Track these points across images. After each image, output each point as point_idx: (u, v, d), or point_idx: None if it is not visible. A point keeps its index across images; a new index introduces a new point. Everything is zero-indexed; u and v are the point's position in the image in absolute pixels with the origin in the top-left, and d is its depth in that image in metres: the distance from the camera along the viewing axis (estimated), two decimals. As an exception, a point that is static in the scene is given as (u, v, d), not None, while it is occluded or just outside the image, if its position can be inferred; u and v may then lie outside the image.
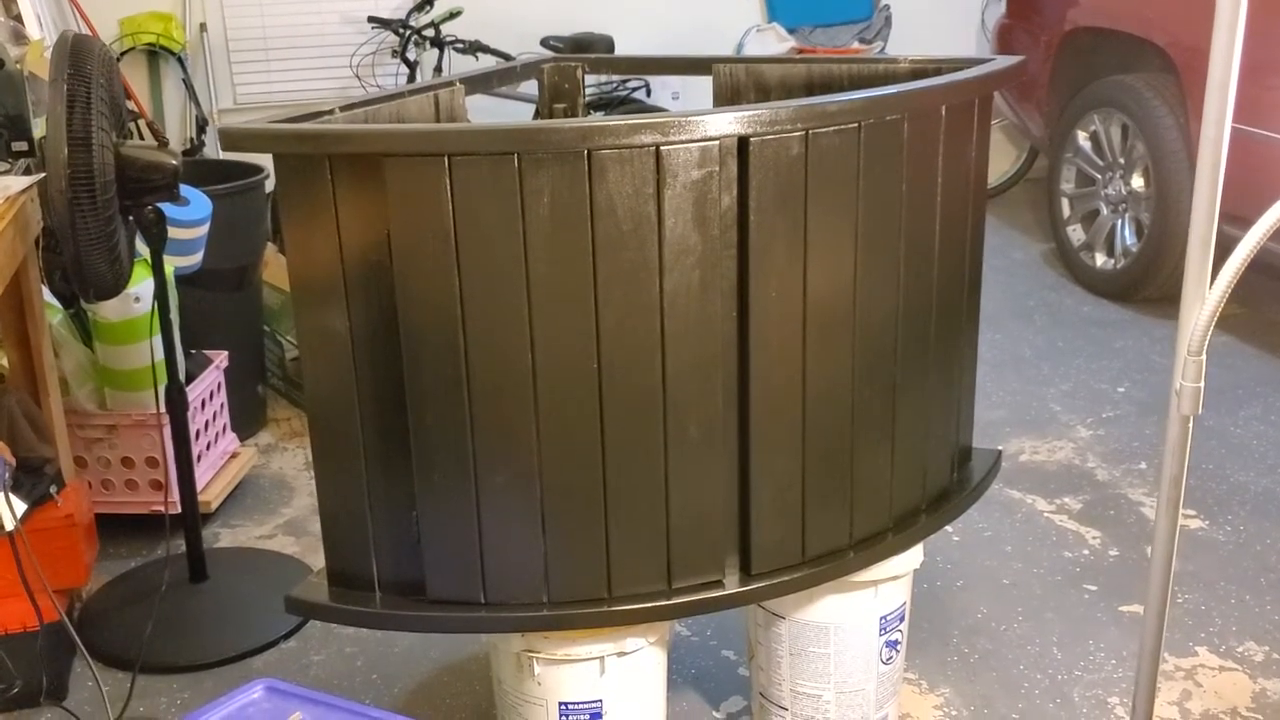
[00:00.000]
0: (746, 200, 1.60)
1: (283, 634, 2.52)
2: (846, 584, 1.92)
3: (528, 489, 1.65)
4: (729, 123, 1.54)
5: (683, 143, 1.52)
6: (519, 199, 1.52)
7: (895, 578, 1.97)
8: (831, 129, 1.61)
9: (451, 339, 1.59)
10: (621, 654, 1.79)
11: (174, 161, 2.28)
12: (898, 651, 2.05)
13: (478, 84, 2.11)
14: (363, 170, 1.55)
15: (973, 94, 1.79)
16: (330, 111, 1.74)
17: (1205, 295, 1.52)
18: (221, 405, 3.09)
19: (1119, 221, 4.35)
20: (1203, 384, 1.55)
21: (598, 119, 1.53)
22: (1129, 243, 4.30)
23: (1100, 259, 4.44)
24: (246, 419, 3.38)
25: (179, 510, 2.60)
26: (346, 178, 1.56)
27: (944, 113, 1.75)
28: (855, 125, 1.63)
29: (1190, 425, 1.60)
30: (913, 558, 1.97)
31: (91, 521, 2.48)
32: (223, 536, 2.93)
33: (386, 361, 1.64)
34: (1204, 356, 1.54)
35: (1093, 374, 3.76)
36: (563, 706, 1.81)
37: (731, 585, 1.76)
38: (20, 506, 1.66)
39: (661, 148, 1.52)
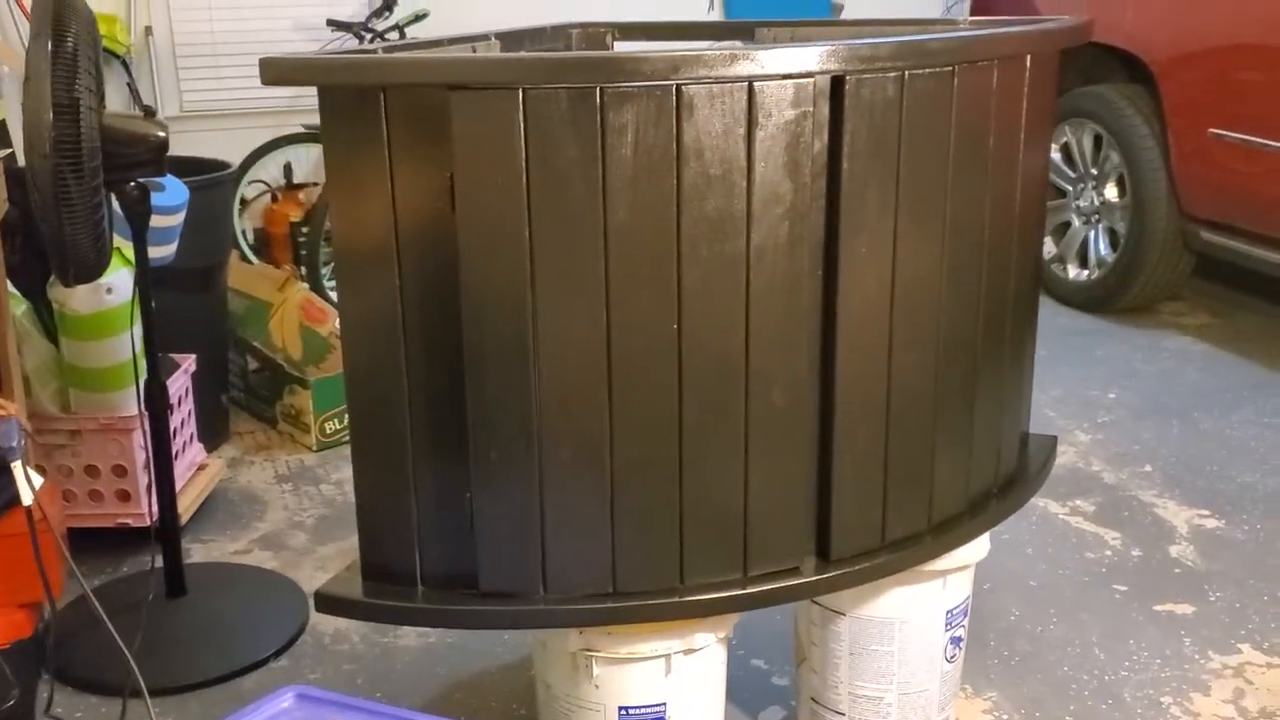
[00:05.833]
0: (839, 146, 1.47)
1: (272, 652, 2.31)
2: (915, 574, 1.78)
3: (597, 464, 1.49)
4: (822, 58, 1.41)
5: (779, 78, 1.40)
6: (600, 138, 1.38)
7: (963, 567, 1.84)
8: (927, 71, 1.49)
9: (518, 295, 1.43)
10: (689, 651, 1.63)
11: (161, 133, 2.10)
12: (960, 649, 1.92)
13: (512, 41, 1.96)
14: (422, 106, 1.40)
15: (1055, 45, 1.70)
16: (374, 51, 1.59)
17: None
18: (189, 412, 2.87)
19: (1092, 233, 4.33)
20: None
21: (689, 46, 1.40)
22: (1103, 253, 4.27)
23: (1073, 271, 4.41)
24: (210, 431, 3.16)
25: (147, 523, 2.38)
26: (403, 115, 1.41)
27: (1028, 64, 1.65)
28: (950, 69, 1.52)
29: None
30: (981, 546, 1.85)
31: (64, 529, 2.25)
32: (194, 552, 2.71)
33: (440, 323, 1.48)
34: None
35: (1080, 381, 3.70)
36: (623, 711, 1.65)
37: (808, 573, 1.62)
38: (38, 479, 1.45)
39: (755, 83, 1.39)
